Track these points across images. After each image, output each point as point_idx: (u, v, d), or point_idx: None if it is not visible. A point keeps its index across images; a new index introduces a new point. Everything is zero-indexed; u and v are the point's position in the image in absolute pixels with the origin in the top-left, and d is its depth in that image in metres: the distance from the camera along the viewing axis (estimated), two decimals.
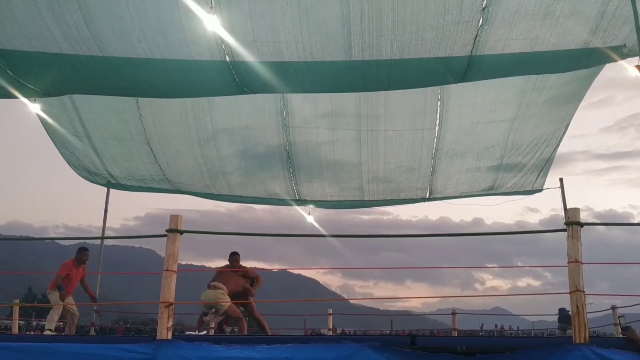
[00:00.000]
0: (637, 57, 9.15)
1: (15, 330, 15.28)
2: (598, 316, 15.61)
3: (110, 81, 9.50)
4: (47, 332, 12.23)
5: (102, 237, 13.81)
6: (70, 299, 12.45)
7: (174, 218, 6.56)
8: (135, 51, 8.24)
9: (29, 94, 9.66)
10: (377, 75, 9.24)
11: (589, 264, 6.20)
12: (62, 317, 12.78)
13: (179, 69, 8.82)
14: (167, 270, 6.37)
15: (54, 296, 12.24)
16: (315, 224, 16.72)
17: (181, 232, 6.57)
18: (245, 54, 8.29)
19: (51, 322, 12.25)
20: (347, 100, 12.54)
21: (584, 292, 5.96)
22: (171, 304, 6.33)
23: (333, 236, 8.70)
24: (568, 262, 6.07)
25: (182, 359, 5.95)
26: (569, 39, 8.71)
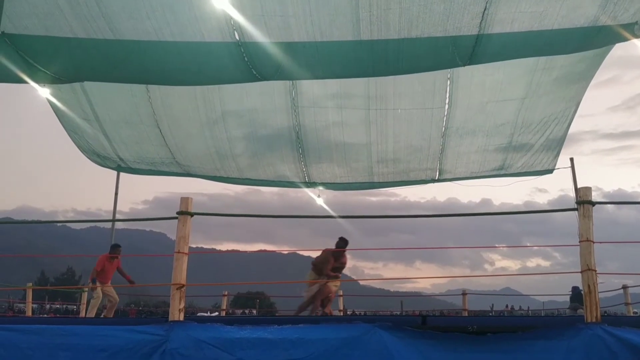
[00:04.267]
0: None
1: (29, 313, 15.44)
2: (609, 296, 15.60)
3: (121, 66, 9.48)
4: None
5: (113, 220, 13.91)
6: (109, 288, 13.80)
7: (185, 200, 6.58)
8: (145, 30, 8.20)
9: (40, 79, 9.67)
10: (385, 57, 9.17)
11: (600, 242, 6.17)
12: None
13: (189, 52, 8.78)
14: (179, 252, 6.41)
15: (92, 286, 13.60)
16: (325, 206, 16.72)
17: (192, 215, 6.59)
18: (254, 31, 8.23)
19: (92, 311, 13.58)
20: (356, 80, 12.46)
21: (595, 271, 5.94)
22: (183, 285, 6.36)
23: (342, 217, 8.69)
24: (579, 242, 6.04)
25: (194, 340, 5.99)
26: (578, 13, 8.56)
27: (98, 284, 13.54)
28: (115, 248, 14.13)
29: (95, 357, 6.07)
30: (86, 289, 18.77)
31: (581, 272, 6.00)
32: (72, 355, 6.12)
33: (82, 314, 17.19)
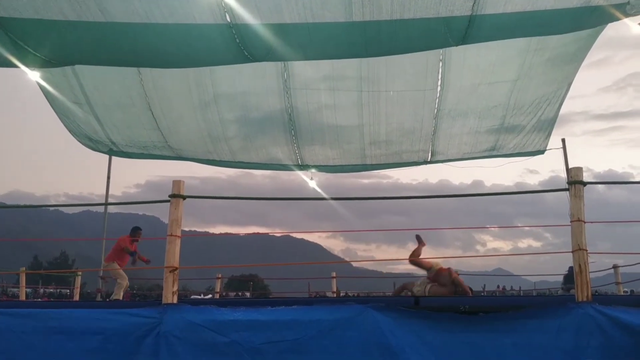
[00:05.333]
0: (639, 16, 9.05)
1: (23, 297, 15.45)
2: (600, 275, 15.73)
3: (112, 49, 9.42)
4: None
5: (106, 204, 13.88)
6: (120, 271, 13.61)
7: (177, 183, 6.58)
8: (135, 11, 8.14)
9: (30, 62, 9.60)
10: (378, 37, 9.14)
11: (591, 222, 6.21)
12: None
13: (180, 34, 8.73)
14: (171, 235, 6.41)
15: (114, 268, 13.46)
16: (318, 189, 16.73)
17: (184, 197, 6.59)
18: (245, 13, 8.18)
19: (120, 292, 13.48)
20: (348, 61, 12.40)
21: (586, 250, 5.99)
22: (176, 268, 6.38)
23: (334, 199, 8.70)
24: (571, 221, 6.08)
25: (187, 323, 6.02)
26: None
27: (117, 265, 13.44)
28: (137, 231, 14.07)
29: (90, 341, 6.10)
30: (80, 273, 18.83)
31: (572, 251, 6.04)
32: (67, 339, 6.15)
33: (76, 298, 17.25)
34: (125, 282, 13.54)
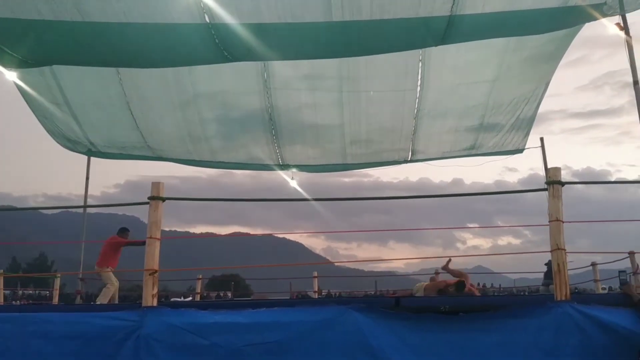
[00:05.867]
0: (616, 16, 9.17)
1: (1, 300, 15.25)
2: (579, 272, 15.89)
3: (90, 49, 9.33)
4: None
5: (85, 206, 13.70)
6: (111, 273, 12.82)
7: (156, 185, 6.52)
8: (113, 12, 8.08)
9: (7, 62, 9.49)
10: (357, 37, 9.16)
11: (569, 222, 6.27)
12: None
13: (158, 33, 8.67)
14: (151, 237, 6.35)
15: (107, 275, 12.58)
16: (299, 188, 16.71)
17: (163, 200, 6.53)
18: (224, 14, 8.16)
19: (105, 298, 12.55)
20: (329, 61, 12.39)
21: (565, 250, 6.04)
22: (155, 271, 6.33)
23: (316, 200, 8.69)
24: (549, 221, 6.13)
25: (168, 325, 5.98)
26: None
27: (109, 268, 12.59)
28: (126, 232, 13.21)
29: (70, 344, 6.03)
30: (58, 275, 18.63)
31: (551, 251, 6.09)
32: (46, 343, 6.08)
33: (55, 300, 17.07)
34: (113, 288, 12.70)
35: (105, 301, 12.35)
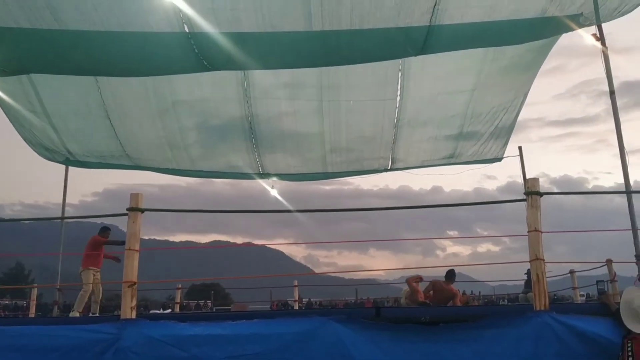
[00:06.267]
0: (592, 26, 9.31)
1: None
2: (557, 279, 16.03)
3: (67, 57, 9.25)
4: (74, 314, 11.80)
5: (62, 218, 13.55)
6: (97, 276, 12.27)
7: (135, 196, 6.45)
8: (92, 21, 8.01)
9: None
10: (337, 46, 9.18)
11: (548, 232, 6.31)
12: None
13: (137, 41, 8.62)
14: (129, 249, 6.28)
15: (87, 275, 11.96)
16: (279, 197, 16.66)
17: (142, 211, 6.46)
18: (204, 24, 8.14)
19: (81, 304, 11.99)
20: (309, 70, 12.42)
21: (544, 260, 6.08)
22: (134, 283, 6.26)
23: (299, 211, 8.63)
24: (528, 232, 6.17)
25: (147, 338, 5.92)
26: (527, 7, 8.77)
27: (92, 269, 12.01)
28: (106, 232, 12.51)
29: (47, 358, 5.94)
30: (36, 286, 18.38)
31: (530, 261, 6.13)
32: (22, 357, 5.98)
33: (32, 310, 16.82)
34: (85, 293, 11.93)
35: (81, 308, 11.96)
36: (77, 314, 11.71)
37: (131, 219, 6.36)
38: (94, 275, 12.09)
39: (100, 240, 12.36)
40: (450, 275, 11.48)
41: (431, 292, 11.22)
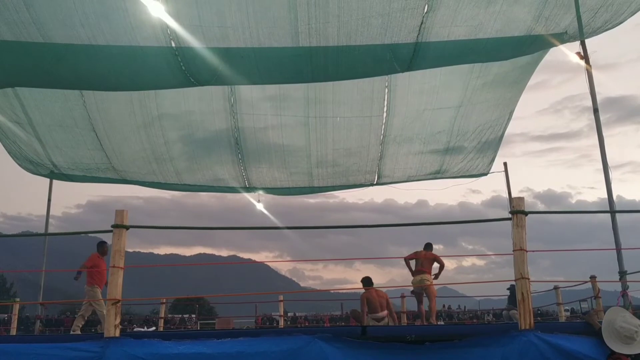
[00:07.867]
0: (576, 42, 9.44)
1: None
2: (542, 294, 16.10)
3: (53, 71, 9.19)
4: (75, 332, 11.38)
5: (46, 234, 13.42)
6: (99, 293, 11.71)
7: (120, 213, 6.37)
8: (78, 36, 7.99)
9: None
10: (324, 63, 9.21)
11: (533, 251, 6.33)
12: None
13: (123, 56, 8.59)
14: (114, 267, 6.20)
15: (94, 292, 11.51)
16: (265, 211, 16.62)
17: (127, 228, 6.39)
18: (191, 40, 8.15)
19: (81, 321, 11.66)
20: (296, 85, 12.44)
21: (529, 279, 6.09)
22: (118, 301, 6.19)
23: (288, 228, 8.58)
24: (513, 250, 6.17)
25: (130, 357, 5.83)
26: (513, 27, 8.88)
27: (97, 288, 11.48)
28: (103, 246, 11.82)
29: None
30: (17, 298, 18.14)
31: (515, 280, 6.13)
32: None
33: (14, 324, 16.58)
34: (104, 310, 11.33)
35: (80, 325, 11.61)
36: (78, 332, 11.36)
37: (116, 235, 6.28)
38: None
39: (95, 256, 11.82)
40: (429, 246, 12.30)
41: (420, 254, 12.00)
